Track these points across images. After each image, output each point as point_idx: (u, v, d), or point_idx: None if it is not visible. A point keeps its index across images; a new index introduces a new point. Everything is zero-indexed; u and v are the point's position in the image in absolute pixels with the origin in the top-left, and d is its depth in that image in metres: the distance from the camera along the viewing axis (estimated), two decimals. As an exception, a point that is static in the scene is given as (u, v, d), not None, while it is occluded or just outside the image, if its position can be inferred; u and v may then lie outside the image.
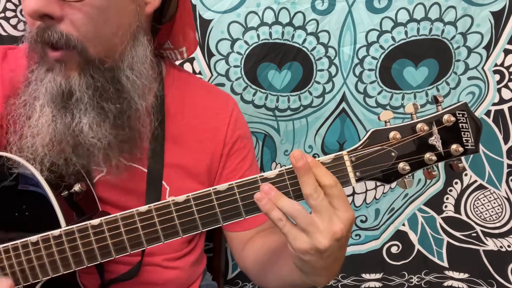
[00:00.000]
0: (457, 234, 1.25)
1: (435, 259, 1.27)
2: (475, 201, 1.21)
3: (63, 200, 0.63)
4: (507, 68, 1.12)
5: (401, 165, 0.55)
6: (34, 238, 0.57)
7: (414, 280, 1.28)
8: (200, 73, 1.10)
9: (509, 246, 1.23)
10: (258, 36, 1.07)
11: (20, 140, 0.63)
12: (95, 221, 0.56)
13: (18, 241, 0.57)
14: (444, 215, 1.24)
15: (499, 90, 1.13)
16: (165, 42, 0.80)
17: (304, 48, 1.09)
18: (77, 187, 0.65)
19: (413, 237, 1.26)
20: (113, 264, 0.71)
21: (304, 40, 1.08)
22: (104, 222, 0.56)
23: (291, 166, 0.53)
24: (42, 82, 0.61)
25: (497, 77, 1.12)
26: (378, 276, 1.28)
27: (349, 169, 0.55)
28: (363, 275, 1.28)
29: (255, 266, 0.76)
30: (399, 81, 1.13)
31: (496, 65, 1.11)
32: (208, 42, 1.07)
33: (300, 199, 0.54)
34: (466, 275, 1.27)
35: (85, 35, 0.59)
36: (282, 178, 0.54)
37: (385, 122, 0.56)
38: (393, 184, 0.57)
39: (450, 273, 1.27)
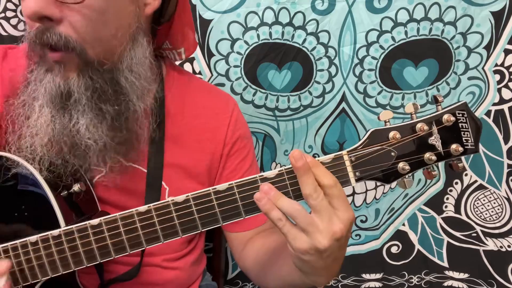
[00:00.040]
0: (457, 234, 1.25)
1: (435, 259, 1.27)
2: (475, 201, 1.21)
3: (63, 200, 0.63)
4: (507, 68, 1.11)
5: (401, 165, 0.55)
6: (33, 238, 0.57)
7: (414, 280, 1.28)
8: (200, 73, 1.10)
9: (509, 246, 1.23)
10: (258, 36, 1.07)
11: (19, 140, 0.63)
12: (95, 221, 0.56)
13: (17, 241, 0.57)
14: (444, 215, 1.24)
15: (499, 90, 1.13)
16: (164, 42, 0.80)
17: (304, 48, 1.09)
18: (76, 187, 0.65)
19: (413, 237, 1.26)
20: (113, 264, 0.71)
21: (304, 40, 1.08)
22: (103, 222, 0.56)
23: (290, 166, 0.53)
24: (41, 82, 0.61)
25: (497, 77, 1.12)
26: (378, 276, 1.28)
27: (349, 169, 0.55)
28: (363, 275, 1.28)
29: (255, 266, 0.75)
30: (399, 81, 1.12)
31: (496, 65, 1.11)
32: (208, 42, 1.07)
33: (300, 199, 0.54)
34: (466, 275, 1.27)
35: (84, 37, 0.59)
36: (282, 178, 0.54)
37: (385, 122, 0.56)
38: (393, 184, 0.57)
39: (450, 273, 1.27)
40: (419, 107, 0.55)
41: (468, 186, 1.21)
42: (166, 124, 0.75)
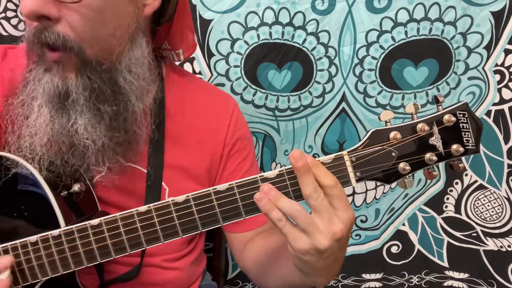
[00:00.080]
0: (457, 234, 1.25)
1: (435, 259, 1.27)
2: (475, 201, 1.21)
3: (63, 200, 0.63)
4: (508, 68, 1.11)
5: (401, 165, 0.55)
6: (33, 238, 0.57)
7: (414, 280, 1.28)
8: (200, 73, 1.10)
9: (509, 246, 1.23)
10: (258, 36, 1.07)
11: (18, 140, 0.63)
12: (95, 221, 0.56)
13: (17, 241, 0.57)
14: (444, 215, 1.24)
15: (499, 90, 1.13)
16: (163, 43, 0.80)
17: (304, 48, 1.09)
18: (76, 187, 0.65)
19: (413, 237, 1.26)
20: (113, 264, 0.71)
21: (304, 40, 1.08)
22: (103, 222, 0.56)
23: (291, 166, 0.53)
24: (40, 82, 0.61)
25: (498, 77, 1.12)
26: (378, 276, 1.28)
27: (350, 169, 0.55)
28: (363, 275, 1.28)
29: (255, 266, 0.75)
30: (399, 81, 1.12)
31: (496, 65, 1.11)
32: (208, 42, 1.07)
33: (300, 199, 0.54)
34: (466, 275, 1.27)
35: (82, 36, 0.59)
36: (282, 178, 0.54)
37: (386, 122, 0.56)
38: (393, 184, 0.57)
39: (450, 273, 1.27)
40: (419, 107, 0.55)
41: (468, 186, 1.21)
42: (166, 124, 0.75)
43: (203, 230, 0.56)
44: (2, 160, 0.63)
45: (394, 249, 1.27)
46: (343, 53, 1.10)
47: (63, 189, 0.64)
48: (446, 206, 1.23)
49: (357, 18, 1.06)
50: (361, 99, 1.14)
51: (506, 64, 1.11)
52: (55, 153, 0.62)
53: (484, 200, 1.21)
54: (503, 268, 1.24)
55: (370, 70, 1.11)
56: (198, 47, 1.06)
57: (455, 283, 1.28)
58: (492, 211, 1.21)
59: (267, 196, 0.52)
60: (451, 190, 1.22)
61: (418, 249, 1.26)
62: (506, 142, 1.16)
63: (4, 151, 0.64)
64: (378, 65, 1.11)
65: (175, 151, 0.75)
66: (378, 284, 1.29)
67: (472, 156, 1.09)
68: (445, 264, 1.27)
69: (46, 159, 0.62)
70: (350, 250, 1.26)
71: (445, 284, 1.28)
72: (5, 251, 0.58)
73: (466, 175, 1.20)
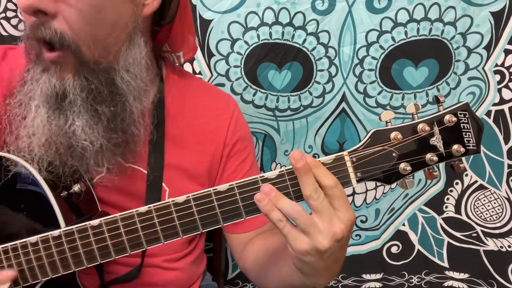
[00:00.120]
0: (458, 234, 1.24)
1: (435, 259, 1.27)
2: (475, 201, 1.21)
3: (63, 200, 0.63)
4: (508, 68, 1.11)
5: (402, 165, 0.55)
6: (33, 238, 0.57)
7: (414, 280, 1.28)
8: (200, 73, 1.10)
9: (509, 246, 1.23)
10: (258, 36, 1.07)
11: (16, 140, 0.63)
12: (95, 222, 0.56)
13: (17, 242, 0.57)
14: (444, 215, 1.24)
15: (499, 90, 1.13)
16: (164, 45, 0.80)
17: (304, 48, 1.09)
18: (76, 188, 0.65)
19: (413, 237, 1.26)
20: (113, 264, 0.71)
21: (304, 40, 1.08)
22: (103, 223, 0.56)
23: (291, 166, 0.53)
24: (38, 82, 0.61)
25: (498, 77, 1.12)
26: (378, 276, 1.28)
27: (350, 169, 0.55)
28: (363, 276, 1.28)
29: (255, 267, 0.75)
30: (399, 81, 1.12)
31: (496, 65, 1.11)
32: (208, 42, 1.07)
33: (301, 199, 0.54)
34: (466, 275, 1.27)
35: (78, 34, 0.59)
36: (283, 179, 0.54)
37: (386, 122, 0.55)
38: (394, 185, 0.57)
39: (450, 273, 1.27)
40: (420, 107, 0.55)
41: (469, 186, 1.21)
42: (166, 125, 0.74)
43: (203, 231, 0.56)
44: (2, 160, 0.62)
45: (394, 249, 1.27)
46: (343, 53, 1.10)
47: (63, 189, 0.63)
48: (446, 206, 1.23)
49: (357, 18, 1.06)
50: (361, 99, 1.14)
51: (506, 64, 1.11)
52: (53, 154, 0.62)
53: (484, 200, 1.21)
54: (503, 268, 1.24)
55: (370, 70, 1.11)
56: (198, 47, 1.06)
57: (455, 283, 1.28)
58: (492, 211, 1.21)
59: (268, 196, 0.52)
60: (451, 190, 1.22)
61: (418, 249, 1.26)
62: (506, 142, 1.16)
63: (3, 151, 0.64)
64: (378, 65, 1.11)
65: (175, 152, 0.75)
66: (378, 284, 1.29)
67: (472, 156, 1.10)
68: (445, 264, 1.27)
69: (45, 159, 0.62)
70: (350, 250, 1.26)
71: (445, 284, 1.28)
72: (5, 252, 0.57)
73: (466, 175, 1.20)
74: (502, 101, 1.14)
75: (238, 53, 1.08)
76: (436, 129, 0.55)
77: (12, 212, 0.62)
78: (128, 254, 0.56)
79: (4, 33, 1.05)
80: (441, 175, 1.21)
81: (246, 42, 1.07)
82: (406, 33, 1.08)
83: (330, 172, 0.53)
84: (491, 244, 1.23)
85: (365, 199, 1.22)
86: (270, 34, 1.07)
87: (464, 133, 0.55)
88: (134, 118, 0.67)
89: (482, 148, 1.17)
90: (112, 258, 0.56)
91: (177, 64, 0.84)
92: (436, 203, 1.23)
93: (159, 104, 0.74)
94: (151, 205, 0.55)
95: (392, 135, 0.54)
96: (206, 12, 1.05)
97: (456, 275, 1.27)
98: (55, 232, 0.56)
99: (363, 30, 1.07)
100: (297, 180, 0.53)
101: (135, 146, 0.68)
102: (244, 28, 1.06)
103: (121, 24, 0.63)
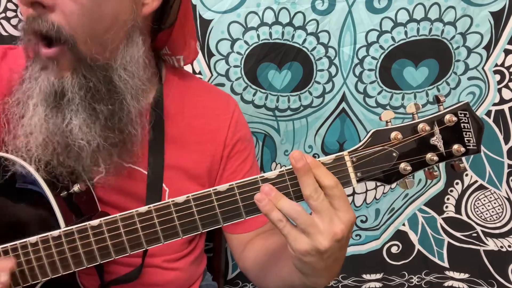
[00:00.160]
0: (458, 234, 1.24)
1: (436, 259, 1.27)
2: (475, 201, 1.21)
3: (62, 200, 0.63)
4: (508, 68, 1.11)
5: (402, 165, 0.55)
6: (33, 239, 0.57)
7: (414, 280, 1.28)
8: (200, 73, 1.10)
9: (509, 246, 1.23)
10: (258, 36, 1.07)
11: (15, 140, 0.63)
12: (95, 222, 0.56)
13: (17, 242, 0.57)
14: (444, 215, 1.24)
15: (499, 90, 1.13)
16: (164, 47, 0.79)
17: (304, 48, 1.09)
18: (76, 188, 0.65)
19: (413, 237, 1.26)
20: (113, 265, 0.71)
21: (304, 40, 1.08)
22: (103, 223, 0.56)
23: (291, 166, 0.53)
24: (37, 81, 0.61)
25: (498, 77, 1.12)
26: (379, 276, 1.28)
27: (350, 169, 0.55)
28: (363, 276, 1.28)
29: (255, 267, 0.75)
30: (399, 81, 1.12)
31: (496, 65, 1.11)
32: (208, 42, 1.07)
33: (301, 199, 0.54)
34: (466, 275, 1.27)
35: (75, 28, 0.58)
36: (283, 179, 0.54)
37: (386, 122, 0.55)
38: (394, 185, 0.57)
39: (450, 273, 1.27)
40: (420, 107, 0.55)
41: (469, 186, 1.21)
42: (166, 125, 0.74)
43: (203, 231, 0.56)
44: (1, 160, 0.62)
45: (394, 249, 1.27)
46: (343, 53, 1.10)
47: (62, 189, 0.63)
48: (447, 206, 1.23)
49: (357, 18, 1.06)
50: (361, 99, 1.14)
51: (506, 64, 1.11)
52: (50, 154, 0.62)
53: (484, 200, 1.21)
54: (504, 268, 1.24)
55: (370, 70, 1.11)
56: (199, 52, 1.06)
57: (455, 283, 1.28)
58: (493, 211, 1.21)
59: (268, 196, 0.52)
60: (451, 190, 1.22)
61: (418, 249, 1.26)
62: (506, 142, 1.16)
63: (2, 151, 0.64)
64: (378, 65, 1.11)
65: (175, 152, 0.75)
66: (378, 284, 1.29)
67: (472, 156, 1.10)
68: (446, 264, 1.27)
69: (43, 159, 0.61)
70: (350, 250, 1.26)
71: (446, 284, 1.28)
72: (5, 252, 0.57)
73: (467, 175, 1.20)
74: (502, 101, 1.14)
75: (238, 53, 1.08)
76: (436, 129, 0.55)
77: (12, 212, 0.62)
78: (128, 254, 0.56)
79: (4, 33, 1.05)
80: (441, 175, 1.21)
81: (246, 42, 1.07)
82: (406, 33, 1.08)
83: (330, 172, 0.53)
84: (491, 244, 1.23)
85: (365, 199, 1.22)
86: (270, 34, 1.07)
87: (464, 132, 0.55)
88: (132, 117, 0.66)
89: (482, 148, 1.17)
90: (112, 258, 0.56)
91: (177, 66, 0.84)
92: (436, 203, 1.23)
93: (158, 105, 0.74)
94: (151, 205, 0.55)
95: (392, 135, 0.54)
96: (206, 12, 1.05)
97: (456, 275, 1.27)
98: (55, 232, 0.56)
99: (363, 30, 1.07)
100: (297, 180, 0.53)
101: (132, 146, 0.68)
102: (244, 28, 1.06)
103: (120, 21, 0.63)
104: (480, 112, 1.15)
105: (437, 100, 0.56)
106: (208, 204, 0.55)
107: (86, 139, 0.62)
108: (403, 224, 1.25)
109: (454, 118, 0.54)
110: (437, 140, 0.55)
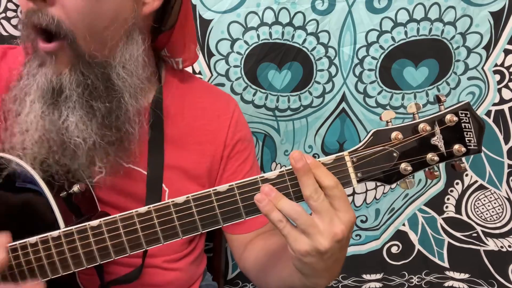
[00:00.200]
0: (458, 234, 1.24)
1: (436, 259, 1.27)
2: (475, 201, 1.21)
3: (62, 200, 0.62)
4: (507, 68, 1.11)
5: (403, 165, 0.54)
6: (33, 239, 0.56)
7: (415, 280, 1.28)
8: (200, 73, 1.10)
9: (509, 246, 1.23)
10: (258, 36, 1.07)
11: (11, 137, 0.62)
12: (94, 222, 0.56)
13: (16, 242, 0.57)
14: (444, 215, 1.24)
15: (499, 90, 1.13)
16: (163, 49, 0.79)
17: (304, 48, 1.09)
18: (76, 188, 0.64)
19: (413, 237, 1.26)
20: (113, 265, 0.71)
21: (304, 40, 1.08)
22: (103, 223, 0.55)
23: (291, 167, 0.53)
24: (34, 77, 0.61)
25: (497, 77, 1.12)
26: (379, 276, 1.28)
27: (351, 170, 0.55)
28: (364, 276, 1.28)
29: (255, 268, 0.75)
30: (399, 81, 1.12)
31: (496, 65, 1.11)
32: (208, 42, 1.07)
33: (301, 200, 0.54)
34: (466, 276, 1.27)
35: (75, 23, 0.58)
36: (283, 179, 0.54)
37: (387, 122, 0.55)
38: (394, 185, 0.57)
39: (450, 274, 1.27)
40: (421, 107, 0.55)
41: (469, 186, 1.21)
42: (166, 125, 0.74)
43: (203, 231, 0.55)
44: (1, 160, 0.62)
45: (394, 249, 1.26)
46: (343, 53, 1.10)
47: (62, 189, 0.63)
48: (447, 207, 1.23)
49: (357, 18, 1.06)
50: (361, 99, 1.14)
51: (506, 64, 1.11)
52: (46, 152, 0.61)
53: (484, 200, 1.21)
54: (504, 268, 1.24)
55: (370, 70, 1.11)
56: (199, 56, 1.05)
57: (456, 284, 1.28)
58: (493, 211, 1.21)
59: (268, 197, 0.52)
60: (451, 191, 1.22)
61: (418, 249, 1.26)
62: (506, 142, 1.16)
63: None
64: (378, 65, 1.11)
65: (175, 152, 0.75)
66: (378, 284, 1.28)
67: (472, 156, 1.10)
68: (446, 264, 1.27)
69: (38, 157, 0.61)
70: (350, 250, 1.26)
71: (446, 284, 1.28)
72: (5, 252, 0.57)
73: (467, 175, 1.20)
74: (502, 101, 1.14)
75: (238, 53, 1.08)
76: (437, 129, 0.55)
77: (12, 212, 0.62)
78: (128, 254, 0.56)
79: (4, 33, 1.05)
80: (441, 175, 1.21)
81: (246, 42, 1.07)
82: (406, 33, 1.08)
83: (330, 173, 0.53)
84: (492, 244, 1.23)
85: (365, 199, 1.22)
86: (270, 34, 1.06)
87: (465, 132, 0.55)
88: (129, 116, 0.66)
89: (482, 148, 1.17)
90: (112, 259, 0.56)
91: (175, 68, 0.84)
92: (436, 203, 1.23)
93: (158, 104, 0.74)
94: (151, 205, 0.55)
95: (393, 135, 0.54)
96: (206, 12, 1.05)
97: (456, 275, 1.27)
98: (55, 233, 0.56)
99: (363, 30, 1.07)
100: (297, 180, 0.53)
101: (129, 145, 0.67)
102: (244, 28, 1.06)
103: (120, 19, 0.63)
104: (480, 112, 1.15)
105: (438, 100, 0.55)
106: (208, 204, 0.54)
107: (82, 137, 0.61)
108: (403, 224, 1.25)
109: (455, 118, 0.54)
110: (437, 140, 0.55)
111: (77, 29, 0.59)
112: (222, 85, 1.10)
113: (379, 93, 1.13)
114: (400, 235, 1.25)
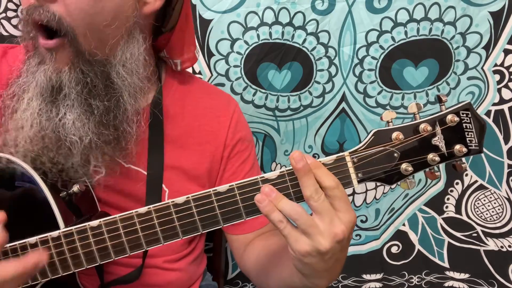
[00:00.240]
0: (458, 234, 1.24)
1: (436, 259, 1.27)
2: (475, 201, 1.21)
3: (62, 201, 0.62)
4: (507, 68, 1.11)
5: (404, 166, 0.54)
6: (32, 239, 0.56)
7: (415, 280, 1.28)
8: (200, 73, 1.10)
9: (509, 246, 1.23)
10: (258, 36, 1.07)
11: (5, 134, 0.62)
12: (94, 223, 0.55)
13: (16, 243, 0.57)
14: (444, 215, 1.24)
15: (499, 90, 1.13)
16: (163, 50, 0.79)
17: (304, 48, 1.09)
18: (75, 188, 0.64)
19: (413, 237, 1.25)
20: (113, 265, 0.71)
21: (304, 40, 1.08)
22: (103, 224, 0.55)
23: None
24: (34, 75, 0.61)
25: (497, 77, 1.12)
26: (379, 276, 1.28)
27: (351, 170, 0.54)
28: (364, 276, 1.28)
29: (255, 268, 0.75)
30: (399, 81, 1.12)
31: (496, 65, 1.11)
32: (208, 42, 1.07)
33: (301, 200, 0.54)
34: (467, 276, 1.27)
35: (76, 20, 0.58)
36: (283, 180, 0.54)
37: (388, 122, 0.55)
38: (394, 185, 0.57)
39: (450, 274, 1.27)
40: (422, 107, 0.55)
41: (469, 186, 1.21)
42: (166, 126, 0.74)
43: (203, 232, 0.55)
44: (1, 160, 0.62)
45: (394, 249, 1.26)
46: (343, 53, 1.10)
47: (62, 190, 0.63)
48: (447, 207, 1.23)
49: (357, 18, 1.06)
50: (361, 99, 1.14)
51: (505, 64, 1.11)
52: (40, 149, 0.61)
53: (484, 200, 1.21)
54: (504, 268, 1.24)
55: (370, 70, 1.11)
56: (198, 59, 1.05)
57: (456, 284, 1.28)
58: (493, 211, 1.21)
59: (268, 197, 0.52)
60: (451, 191, 1.22)
61: (418, 249, 1.26)
62: (506, 142, 1.16)
63: None
64: (378, 65, 1.10)
65: (175, 153, 0.75)
66: (378, 284, 1.28)
67: (472, 156, 1.10)
68: (446, 264, 1.26)
69: (29, 155, 0.61)
70: (350, 250, 1.26)
71: (446, 284, 1.28)
72: (5, 253, 0.57)
73: (467, 175, 1.20)
74: (502, 101, 1.14)
75: (238, 53, 1.08)
76: (438, 129, 0.54)
77: (11, 212, 0.62)
78: (128, 255, 0.56)
79: (5, 33, 1.05)
80: (442, 175, 1.21)
81: (246, 42, 1.07)
82: (406, 33, 1.07)
83: (331, 173, 0.53)
84: (492, 244, 1.23)
85: (365, 199, 1.22)
86: (270, 34, 1.06)
87: (466, 133, 0.55)
88: (128, 115, 0.66)
89: (482, 148, 1.17)
90: (112, 259, 0.56)
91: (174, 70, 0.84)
92: (436, 203, 1.23)
93: (157, 105, 0.74)
94: (151, 206, 0.55)
95: (394, 135, 0.54)
96: (206, 12, 1.05)
97: (456, 275, 1.27)
98: (55, 233, 0.56)
99: (363, 30, 1.07)
100: (297, 180, 0.52)
101: (126, 144, 0.67)
102: (244, 28, 1.06)
103: (121, 17, 0.62)
104: (480, 112, 1.15)
105: (439, 100, 0.55)
106: (208, 204, 0.54)
107: (78, 135, 0.61)
108: (403, 224, 1.25)
109: (456, 118, 0.54)
110: (438, 141, 0.55)
111: (78, 26, 0.58)
112: (222, 85, 1.10)
113: (379, 93, 1.13)
114: (400, 235, 1.25)
